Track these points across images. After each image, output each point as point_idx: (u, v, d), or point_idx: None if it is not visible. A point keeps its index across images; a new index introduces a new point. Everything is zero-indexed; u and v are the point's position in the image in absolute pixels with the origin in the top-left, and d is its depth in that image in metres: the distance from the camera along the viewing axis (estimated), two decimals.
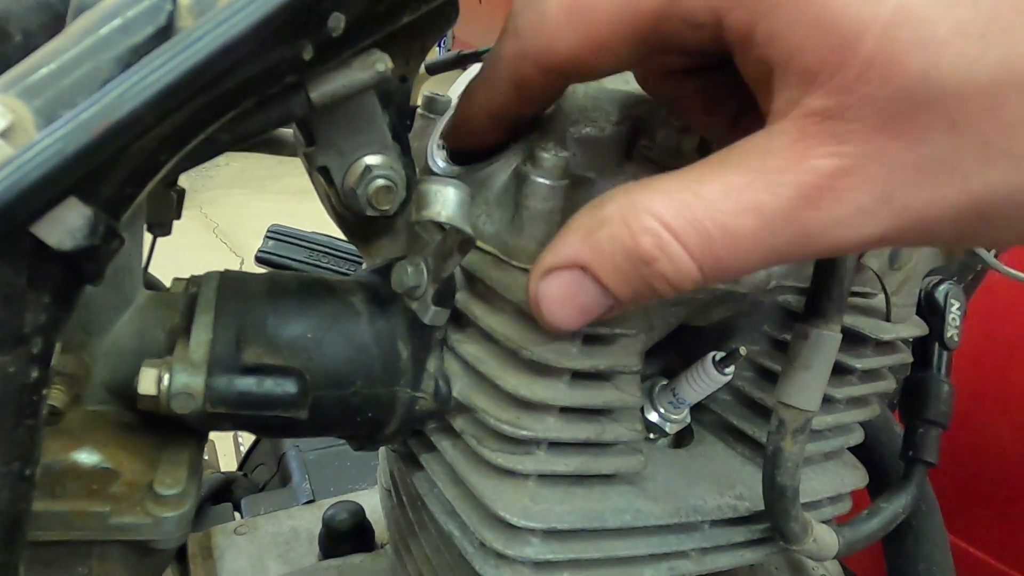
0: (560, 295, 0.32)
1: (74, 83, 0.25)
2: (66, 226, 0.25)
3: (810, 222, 0.26)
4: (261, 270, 0.95)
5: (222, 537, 0.69)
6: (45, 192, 0.23)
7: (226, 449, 1.36)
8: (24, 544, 0.28)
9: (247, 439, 1.23)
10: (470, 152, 0.42)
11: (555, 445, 0.41)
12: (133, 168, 0.27)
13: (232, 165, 4.06)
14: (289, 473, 0.86)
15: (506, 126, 0.40)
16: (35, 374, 0.26)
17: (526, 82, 0.34)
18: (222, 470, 1.07)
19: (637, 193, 0.29)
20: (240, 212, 3.58)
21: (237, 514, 0.81)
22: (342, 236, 0.94)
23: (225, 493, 0.86)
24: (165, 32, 0.26)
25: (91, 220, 0.25)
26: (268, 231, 0.92)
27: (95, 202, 0.25)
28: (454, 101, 0.51)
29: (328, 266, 0.90)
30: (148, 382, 0.34)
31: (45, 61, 0.26)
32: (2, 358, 0.25)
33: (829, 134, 0.25)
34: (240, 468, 1.03)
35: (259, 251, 0.91)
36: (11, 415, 0.26)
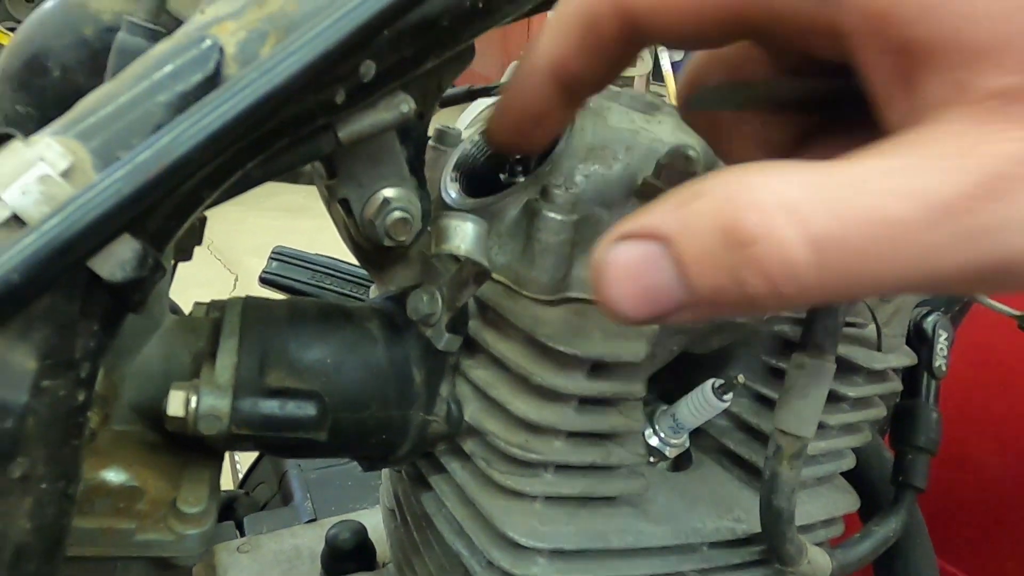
0: (629, 267, 0.25)
1: (128, 126, 0.27)
2: (118, 259, 0.26)
3: (986, 217, 0.20)
4: (263, 291, 0.96)
5: (225, 555, 0.70)
6: (104, 230, 0.25)
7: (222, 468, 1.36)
8: (63, 559, 0.29)
9: (244, 459, 1.23)
10: (484, 184, 0.44)
11: (562, 468, 0.43)
12: (178, 204, 0.28)
13: None
14: (291, 492, 0.87)
15: (561, 94, 0.32)
16: (82, 397, 0.28)
17: (598, 27, 0.29)
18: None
19: (753, 168, 0.22)
20: (235, 229, 3.58)
21: (239, 532, 0.82)
22: (345, 258, 0.95)
23: (227, 511, 0.87)
24: (213, 80, 0.28)
25: (140, 253, 0.27)
26: (272, 253, 0.94)
27: (144, 236, 0.27)
28: (464, 133, 0.54)
29: (332, 288, 0.91)
30: (176, 404, 0.36)
31: (100, 104, 0.27)
32: (54, 382, 0.26)
33: (1017, 116, 0.20)
34: (241, 486, 1.04)
35: (263, 272, 0.92)
36: (60, 436, 0.27)
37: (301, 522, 0.81)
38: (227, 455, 1.38)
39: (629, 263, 0.25)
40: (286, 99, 0.28)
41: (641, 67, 5.64)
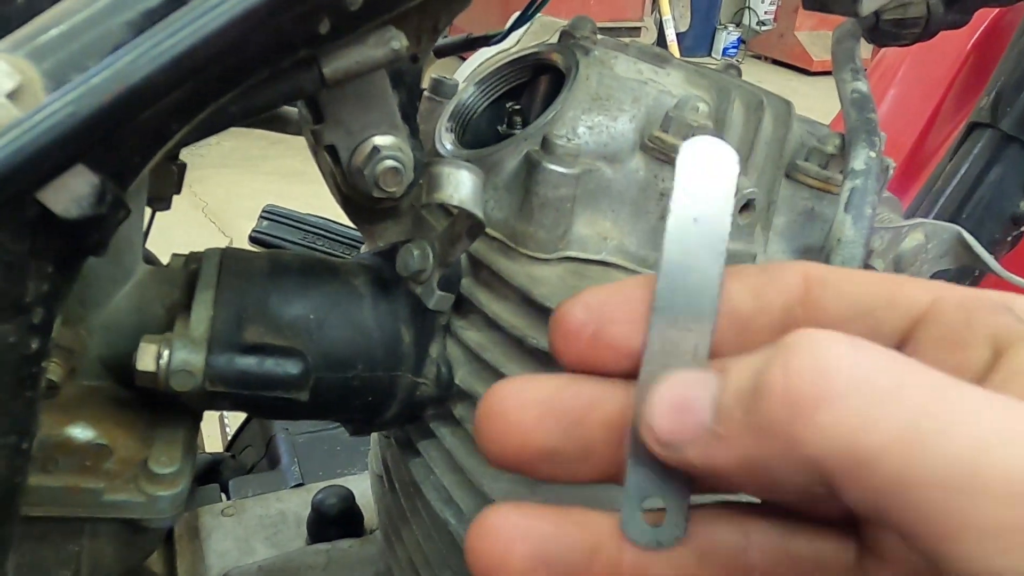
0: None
1: (85, 46, 0.24)
2: (73, 194, 0.24)
3: None
4: (253, 250, 0.93)
5: (209, 518, 0.68)
6: (53, 157, 0.22)
7: (212, 431, 1.35)
8: (18, 517, 0.27)
9: (233, 420, 1.21)
10: (480, 136, 0.42)
11: None
12: (142, 136, 0.26)
13: (223, 144, 4.01)
14: (278, 456, 0.86)
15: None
16: (35, 345, 0.26)
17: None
18: (207, 451, 1.06)
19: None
20: (230, 192, 3.54)
21: (224, 495, 0.81)
22: (337, 218, 0.92)
23: (212, 474, 0.86)
24: None
25: (98, 189, 0.24)
26: (263, 211, 0.91)
27: (103, 170, 0.25)
28: (461, 84, 0.51)
29: (323, 248, 0.89)
30: (147, 358, 0.34)
31: (55, 22, 0.25)
32: (3, 327, 0.24)
33: None
34: (228, 449, 1.02)
35: (253, 231, 0.90)
36: (10, 386, 0.25)
37: (288, 486, 0.79)
38: (217, 417, 1.36)
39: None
40: (263, 22, 0.26)
41: (646, 37, 5.57)
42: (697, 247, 0.26)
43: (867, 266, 0.46)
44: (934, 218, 0.70)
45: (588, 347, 0.26)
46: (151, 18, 0.25)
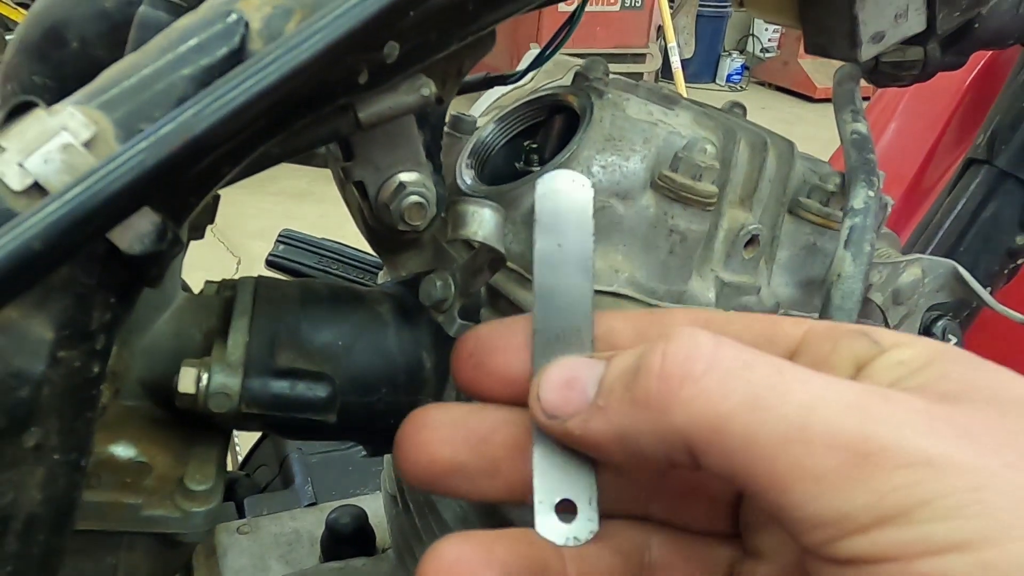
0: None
1: (152, 98, 0.27)
2: (137, 232, 0.26)
3: None
4: (268, 274, 0.96)
5: (225, 536, 0.70)
6: (125, 202, 0.25)
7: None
8: (72, 531, 0.29)
9: (243, 440, 1.23)
10: (498, 172, 0.44)
11: None
12: (199, 179, 0.28)
13: None
14: (291, 475, 0.87)
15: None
16: (96, 369, 0.28)
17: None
18: None
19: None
20: (238, 212, 3.58)
21: (239, 514, 0.82)
22: (350, 242, 0.94)
23: (228, 492, 0.87)
24: (238, 54, 0.28)
25: (160, 227, 0.27)
26: (280, 236, 0.93)
27: (164, 210, 0.27)
28: (480, 120, 0.54)
29: (338, 273, 0.91)
30: (188, 381, 0.36)
31: (124, 76, 0.27)
32: (70, 352, 0.26)
33: None
34: (242, 468, 1.04)
35: (270, 255, 0.92)
36: (74, 407, 0.27)
37: (301, 505, 0.81)
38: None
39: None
40: (311, 76, 0.28)
41: (651, 63, 5.64)
42: (565, 269, 0.30)
43: (867, 300, 0.49)
44: (932, 252, 0.72)
45: (474, 374, 0.30)
46: (211, 73, 0.27)
